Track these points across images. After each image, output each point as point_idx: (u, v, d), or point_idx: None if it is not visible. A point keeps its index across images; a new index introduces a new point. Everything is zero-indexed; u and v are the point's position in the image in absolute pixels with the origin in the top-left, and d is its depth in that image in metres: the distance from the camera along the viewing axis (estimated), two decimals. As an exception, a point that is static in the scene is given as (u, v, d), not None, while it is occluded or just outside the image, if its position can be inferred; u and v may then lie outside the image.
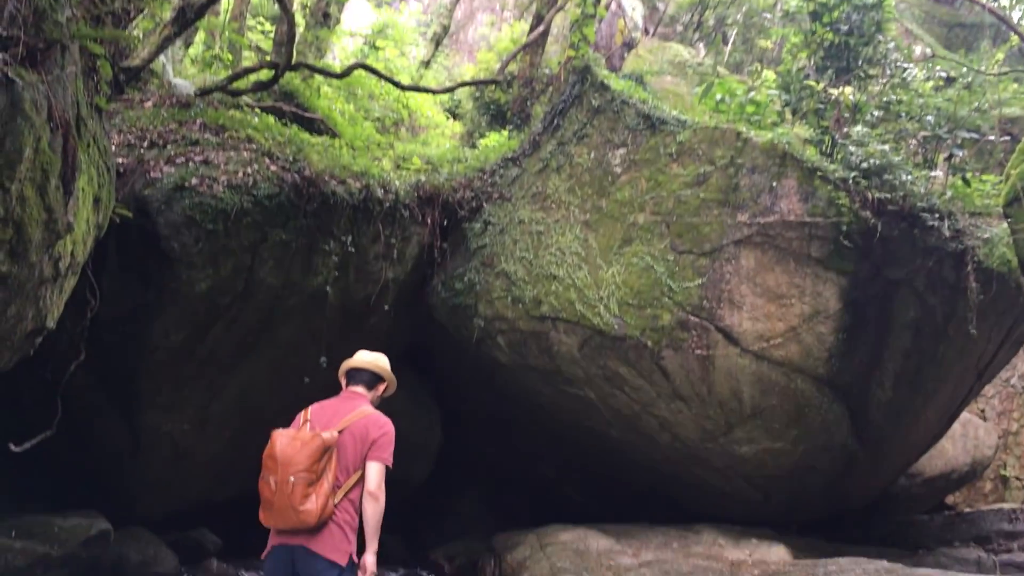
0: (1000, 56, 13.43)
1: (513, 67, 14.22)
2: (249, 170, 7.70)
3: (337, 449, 4.72)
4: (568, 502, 10.46)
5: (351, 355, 5.32)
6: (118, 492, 8.22)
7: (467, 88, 15.16)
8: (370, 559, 4.71)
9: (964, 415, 11.69)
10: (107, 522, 7.21)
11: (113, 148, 6.74)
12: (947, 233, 8.35)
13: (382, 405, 5.36)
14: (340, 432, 4.77)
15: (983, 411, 13.97)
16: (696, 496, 9.39)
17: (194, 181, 7.33)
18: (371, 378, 5.10)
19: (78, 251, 5.42)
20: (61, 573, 6.81)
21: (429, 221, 9.28)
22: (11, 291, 4.77)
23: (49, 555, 6.63)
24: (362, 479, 4.74)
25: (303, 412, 4.95)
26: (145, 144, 7.77)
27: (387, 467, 4.79)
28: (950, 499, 13.37)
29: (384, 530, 10.91)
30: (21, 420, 6.63)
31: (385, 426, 4.87)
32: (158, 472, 8.18)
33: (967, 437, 12.27)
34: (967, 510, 12.64)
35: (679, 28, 21.92)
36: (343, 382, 5.18)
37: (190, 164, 7.56)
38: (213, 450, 8.28)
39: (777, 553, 8.47)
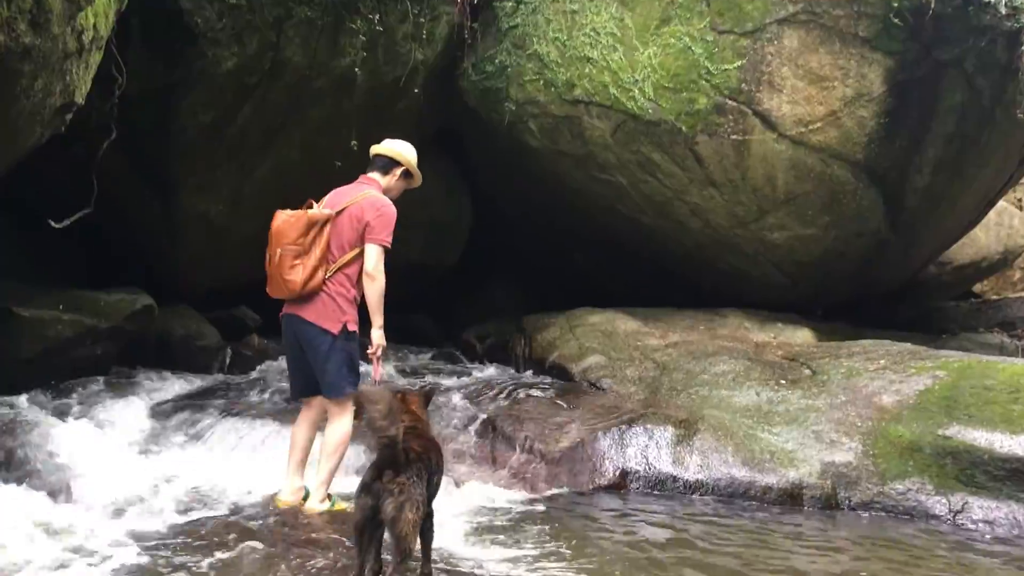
0: None
1: None
2: (270, -60, 7.35)
3: (336, 228, 4.97)
4: (598, 289, 10.63)
5: (382, 139, 5.47)
6: (159, 272, 8.46)
7: None
8: (375, 333, 4.98)
9: (1000, 203, 11.54)
10: (151, 298, 7.44)
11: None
12: (1003, 11, 7.90)
13: (411, 192, 5.42)
14: (341, 212, 5.00)
15: (1020, 200, 13.78)
16: (725, 283, 9.49)
17: (213, -49, 7.02)
18: (386, 163, 5.26)
19: (100, 24, 5.28)
20: (108, 344, 7.10)
21: (458, -1, 8.93)
22: (36, 64, 4.70)
23: (96, 327, 6.89)
24: (360, 257, 4.97)
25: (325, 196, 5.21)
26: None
27: (385, 248, 4.99)
28: (977, 287, 13.46)
29: (417, 311, 11.27)
30: (61, 200, 6.72)
31: (381, 208, 5.02)
32: (195, 252, 8.36)
33: (1001, 226, 12.19)
34: (994, 298, 12.76)
35: None
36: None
37: (208, -67, 7.21)
38: (248, 231, 8.36)
39: (802, 336, 8.65)
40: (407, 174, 5.29)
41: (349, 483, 5.00)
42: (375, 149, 5.33)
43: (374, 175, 5.23)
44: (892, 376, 6.74)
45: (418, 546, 3.92)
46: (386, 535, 3.70)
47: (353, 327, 5.00)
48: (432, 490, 3.87)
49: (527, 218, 10.55)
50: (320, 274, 4.92)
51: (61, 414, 6.33)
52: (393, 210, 5.07)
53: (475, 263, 11.15)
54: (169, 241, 8.23)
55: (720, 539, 5.05)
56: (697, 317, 9.00)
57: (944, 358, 6.97)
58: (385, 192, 5.21)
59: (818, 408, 6.57)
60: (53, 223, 6.00)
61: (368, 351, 5.01)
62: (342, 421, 5.05)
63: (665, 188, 8.83)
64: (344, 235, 4.98)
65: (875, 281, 9.73)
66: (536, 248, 11.02)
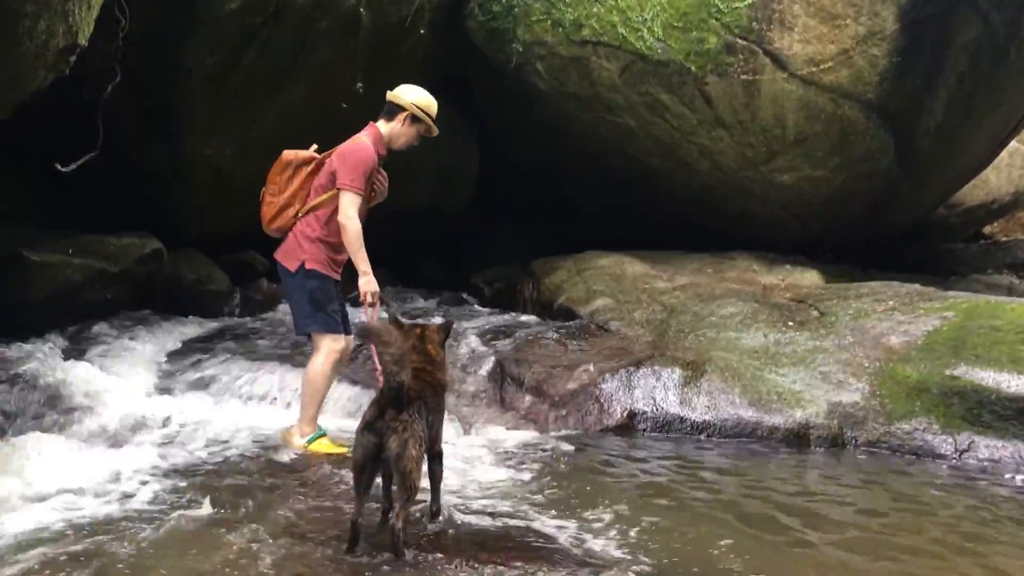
0: None
1: None
2: None
3: (320, 171, 5.09)
4: (607, 235, 10.59)
5: (388, 82, 5.42)
6: (167, 217, 8.44)
7: None
8: (360, 281, 4.99)
9: (1012, 144, 11.40)
10: (159, 242, 7.45)
11: None
12: (1021, -55, 7.78)
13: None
14: (329, 155, 5.11)
15: (1033, 140, 13.60)
16: (732, 227, 9.44)
17: None
18: (391, 108, 5.20)
19: (102, -36, 5.22)
20: (118, 289, 7.12)
21: (464, -66, 8.79)
22: (39, 4, 4.64)
23: (106, 271, 6.91)
24: (333, 200, 5.00)
25: None
26: None
27: (356, 193, 4.95)
28: (987, 229, 13.37)
29: (426, 256, 11.28)
30: (67, 145, 6.71)
31: (348, 155, 5.02)
32: (202, 197, 8.34)
33: (1013, 167, 12.05)
34: (1004, 239, 12.70)
35: None
36: None
37: None
38: (255, 176, 8.33)
39: (810, 278, 8.64)
40: (415, 120, 5.18)
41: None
42: (387, 95, 5.28)
43: (380, 121, 5.20)
44: (900, 317, 6.74)
45: (426, 483, 3.98)
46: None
47: (312, 265, 5.03)
48: (433, 430, 3.90)
49: (535, 163, 10.49)
50: (289, 213, 5.09)
51: (73, 357, 6.39)
52: (363, 155, 5.01)
53: (484, 208, 11.12)
54: (176, 186, 8.21)
55: (724, 478, 5.10)
56: (705, 260, 8.99)
57: (953, 299, 6.96)
58: (391, 138, 5.17)
59: (826, 349, 6.59)
60: (60, 167, 5.99)
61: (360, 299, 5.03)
62: (316, 357, 5.12)
63: (673, 130, 8.76)
64: (321, 178, 5.08)
65: (885, 223, 9.68)
66: (544, 193, 10.97)
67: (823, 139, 8.47)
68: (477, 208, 11.04)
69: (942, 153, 9.02)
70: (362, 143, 5.07)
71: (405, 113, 5.15)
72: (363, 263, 4.96)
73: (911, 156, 8.77)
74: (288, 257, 5.10)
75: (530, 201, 11.14)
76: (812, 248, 9.41)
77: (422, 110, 5.16)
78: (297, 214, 5.08)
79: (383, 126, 5.18)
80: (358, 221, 4.96)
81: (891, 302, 7.06)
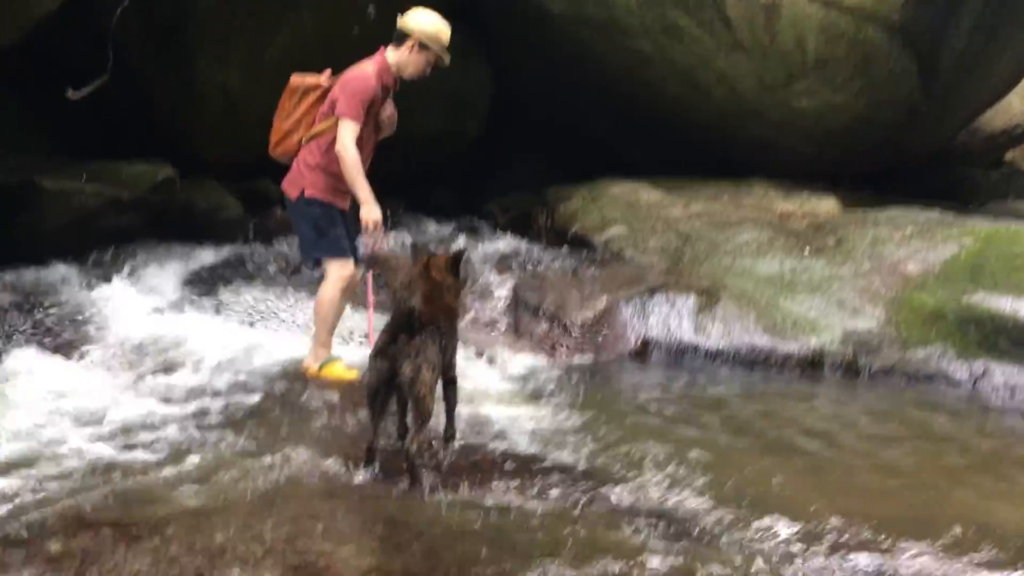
0: None
1: None
2: None
3: (327, 97, 4.98)
4: (621, 164, 10.49)
5: (400, 6, 5.23)
6: (178, 144, 8.39)
7: None
8: (362, 211, 4.88)
9: (1038, 69, 11.16)
10: (172, 169, 7.41)
11: None
12: None
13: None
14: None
15: (1059, 65, 13.27)
16: (749, 155, 9.30)
17: None
18: (398, 34, 5.01)
19: None
20: (132, 216, 7.09)
21: None
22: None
23: (119, 198, 6.87)
24: (334, 129, 4.88)
25: None
26: None
27: (353, 121, 4.82)
28: (1008, 156, 13.16)
29: (439, 184, 11.19)
30: (78, 72, 6.65)
31: (347, 83, 4.91)
32: (213, 124, 8.24)
33: (1036, 92, 11.79)
34: (1025, 166, 12.52)
35: None
36: None
37: None
38: (265, 105, 8.26)
39: (827, 205, 8.53)
40: (423, 47, 4.96)
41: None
42: (398, 20, 5.08)
43: (389, 48, 5.04)
44: (918, 244, 6.70)
45: (442, 408, 4.01)
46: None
47: (312, 193, 4.97)
48: (447, 355, 3.90)
49: (549, 90, 10.34)
50: (293, 139, 5.04)
51: (86, 283, 6.42)
52: (361, 83, 4.88)
53: (497, 136, 11.00)
54: (187, 113, 8.14)
55: (736, 405, 5.13)
56: (721, 187, 8.88)
57: (971, 226, 6.92)
58: (399, 67, 5.02)
59: (842, 276, 6.56)
60: (72, 91, 5.93)
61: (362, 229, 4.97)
62: (326, 283, 5.11)
63: (691, 54, 8.59)
64: (324, 105, 4.99)
65: (905, 149, 9.52)
66: (559, 121, 10.84)
67: (844, 63, 8.28)
68: (490, 135, 10.92)
69: (964, 78, 8.83)
70: (364, 71, 4.95)
71: (412, 40, 4.95)
72: (362, 191, 4.86)
73: (933, 80, 8.58)
74: (291, 185, 5.06)
75: (545, 128, 11.02)
76: (831, 175, 9.28)
77: (430, 37, 4.95)
78: (300, 141, 5.02)
79: (391, 54, 5.01)
80: (355, 150, 4.83)
81: (909, 229, 7.00)
